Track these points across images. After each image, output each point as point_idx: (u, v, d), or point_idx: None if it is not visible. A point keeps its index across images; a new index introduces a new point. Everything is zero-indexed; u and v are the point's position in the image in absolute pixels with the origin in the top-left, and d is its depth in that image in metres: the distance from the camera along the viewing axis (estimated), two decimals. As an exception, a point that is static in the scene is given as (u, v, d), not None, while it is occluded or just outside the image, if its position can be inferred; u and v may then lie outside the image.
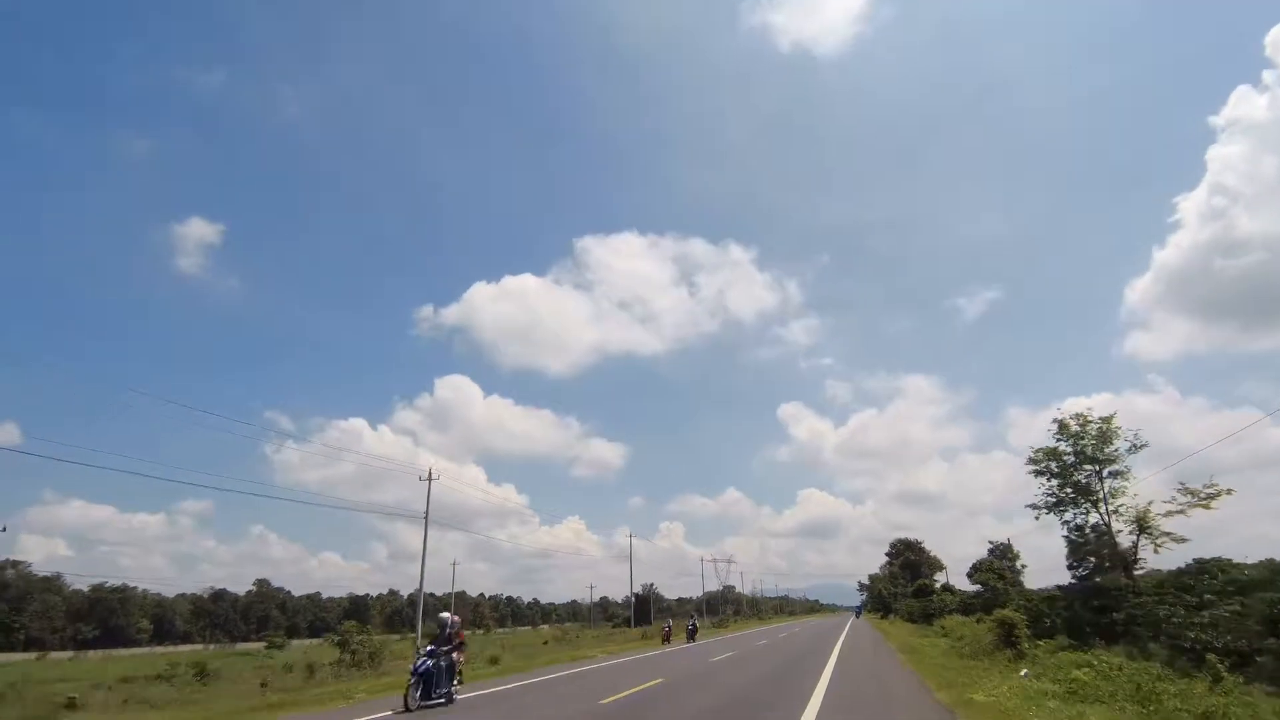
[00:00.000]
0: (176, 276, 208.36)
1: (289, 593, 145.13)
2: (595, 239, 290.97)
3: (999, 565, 41.71)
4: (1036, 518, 21.67)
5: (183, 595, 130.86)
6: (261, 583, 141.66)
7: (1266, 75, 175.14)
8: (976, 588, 44.54)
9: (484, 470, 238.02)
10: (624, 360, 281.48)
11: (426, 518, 34.69)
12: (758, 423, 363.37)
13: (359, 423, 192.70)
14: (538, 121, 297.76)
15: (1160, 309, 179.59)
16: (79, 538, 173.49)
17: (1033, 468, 22.74)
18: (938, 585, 67.70)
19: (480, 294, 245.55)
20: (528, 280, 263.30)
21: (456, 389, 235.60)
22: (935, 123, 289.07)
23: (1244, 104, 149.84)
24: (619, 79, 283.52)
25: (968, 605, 35.04)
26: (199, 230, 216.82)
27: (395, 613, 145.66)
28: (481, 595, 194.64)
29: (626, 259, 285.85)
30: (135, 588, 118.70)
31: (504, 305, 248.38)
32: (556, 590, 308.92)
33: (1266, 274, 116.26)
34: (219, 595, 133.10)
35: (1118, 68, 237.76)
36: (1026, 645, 17.63)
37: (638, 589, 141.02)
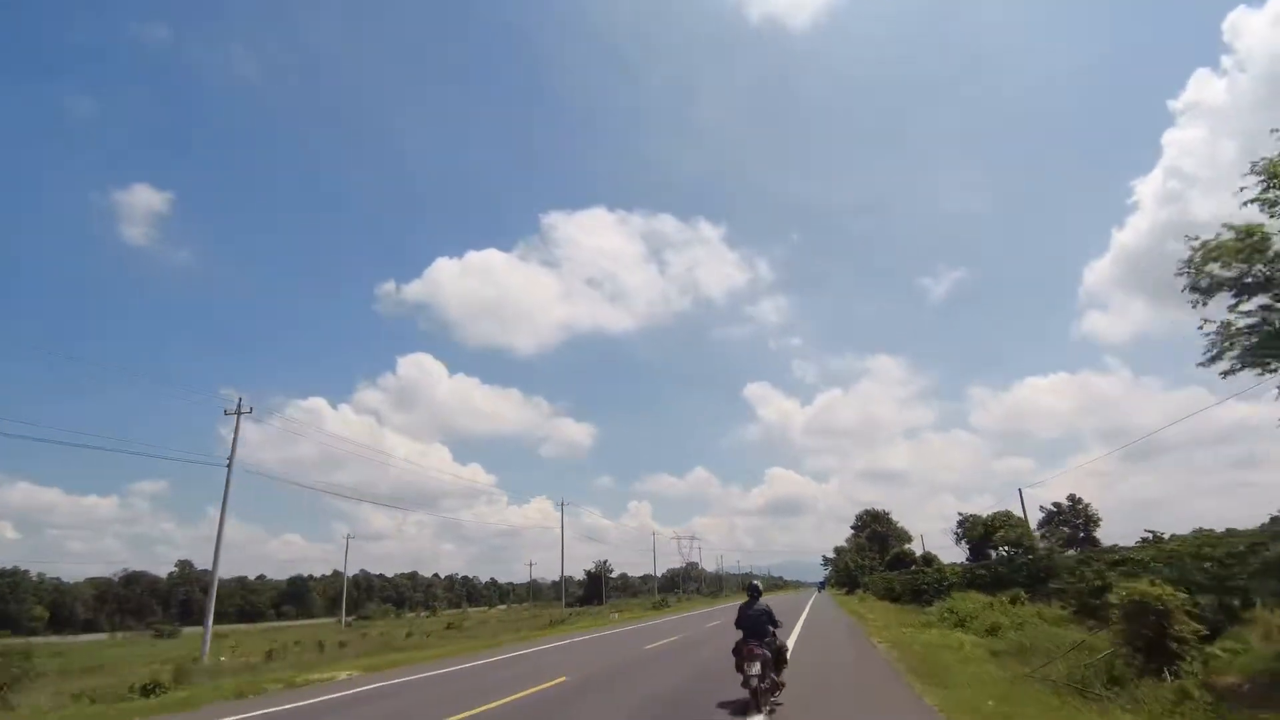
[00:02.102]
0: (121, 247, 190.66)
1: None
2: (563, 214, 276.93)
3: (1019, 520, 32.72)
4: (1222, 375, 10.32)
5: (90, 579, 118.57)
6: (184, 564, 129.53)
7: (1225, 60, 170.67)
8: (965, 556, 36.23)
9: (450, 450, 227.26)
10: (593, 338, 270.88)
11: (230, 465, 25.39)
12: (726, 402, 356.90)
13: (319, 402, 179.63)
14: (504, 90, 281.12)
15: (1119, 290, 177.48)
16: (26, 520, 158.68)
17: (1195, 283, 10.79)
18: (916, 555, 60.35)
19: (443, 270, 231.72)
20: (493, 256, 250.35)
21: (420, 367, 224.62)
22: (905, 103, 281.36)
23: (1203, 88, 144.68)
24: (587, 49, 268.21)
25: (976, 579, 26.42)
26: (145, 198, 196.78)
27: (340, 594, 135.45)
28: (435, 575, 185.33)
29: (595, 235, 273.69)
30: (27, 571, 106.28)
31: (468, 281, 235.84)
32: (525, 570, 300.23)
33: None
34: (132, 578, 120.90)
35: (1081, 50, 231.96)
36: (1190, 662, 8.46)
37: (590, 566, 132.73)
